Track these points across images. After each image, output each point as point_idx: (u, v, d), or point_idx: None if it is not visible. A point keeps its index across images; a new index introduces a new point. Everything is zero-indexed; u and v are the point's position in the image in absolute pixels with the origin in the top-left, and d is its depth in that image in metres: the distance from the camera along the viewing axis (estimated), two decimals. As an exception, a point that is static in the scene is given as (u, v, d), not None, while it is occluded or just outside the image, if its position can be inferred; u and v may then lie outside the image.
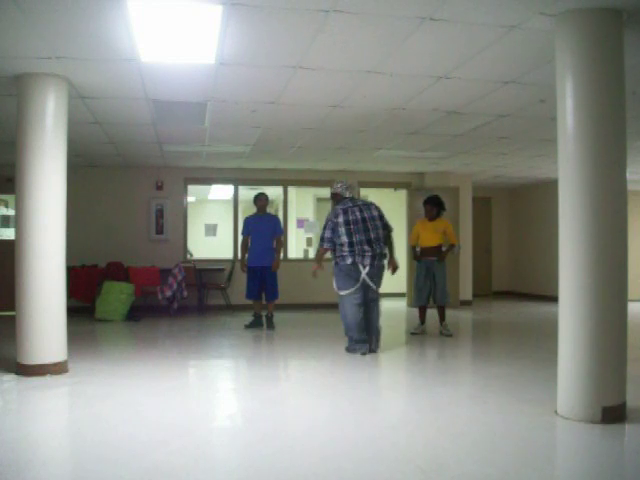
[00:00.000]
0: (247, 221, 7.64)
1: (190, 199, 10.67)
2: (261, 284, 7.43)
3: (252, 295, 7.51)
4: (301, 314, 8.96)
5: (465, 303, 10.37)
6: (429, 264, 6.94)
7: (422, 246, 7.03)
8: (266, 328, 7.51)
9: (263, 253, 7.36)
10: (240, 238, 7.94)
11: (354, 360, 5.64)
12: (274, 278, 7.43)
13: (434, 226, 6.98)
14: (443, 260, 6.95)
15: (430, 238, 6.96)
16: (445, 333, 6.83)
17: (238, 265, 9.49)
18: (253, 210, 7.77)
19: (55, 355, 4.71)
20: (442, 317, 6.94)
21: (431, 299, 7.01)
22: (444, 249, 6.98)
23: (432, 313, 7.15)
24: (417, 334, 6.99)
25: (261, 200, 7.57)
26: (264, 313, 7.61)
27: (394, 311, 9.59)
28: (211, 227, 14.91)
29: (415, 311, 7.43)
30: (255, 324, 7.56)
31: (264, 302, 7.55)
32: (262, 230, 7.38)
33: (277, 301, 7.63)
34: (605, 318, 3.41)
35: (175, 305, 8.62)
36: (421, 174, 10.38)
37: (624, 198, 3.50)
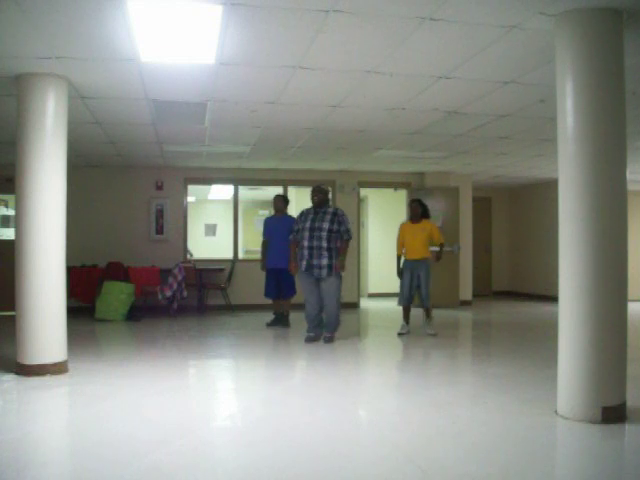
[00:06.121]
0: (265, 223, 7.81)
1: (190, 199, 10.67)
2: (277, 284, 7.56)
3: (269, 294, 7.70)
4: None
5: (465, 303, 10.37)
6: (413, 265, 6.90)
7: (407, 248, 6.96)
8: (281, 326, 7.59)
9: (279, 254, 7.37)
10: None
11: (355, 360, 5.65)
12: (290, 278, 7.41)
13: (419, 227, 6.95)
14: (438, 260, 6.99)
15: (415, 238, 6.89)
16: (428, 332, 6.86)
17: (238, 265, 9.55)
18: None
19: (55, 355, 4.71)
20: (427, 315, 6.95)
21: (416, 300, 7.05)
22: (434, 249, 6.96)
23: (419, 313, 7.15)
24: (403, 334, 6.95)
25: (276, 202, 7.68)
26: (282, 311, 7.75)
27: (391, 312, 9.58)
28: (211, 227, 14.91)
29: (416, 311, 7.43)
30: (276, 322, 7.70)
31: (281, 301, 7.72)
32: (279, 231, 7.42)
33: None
34: (605, 318, 3.41)
35: (175, 305, 8.63)
36: (421, 174, 10.38)
37: (624, 198, 3.50)
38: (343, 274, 6.47)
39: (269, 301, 8.05)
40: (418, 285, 6.90)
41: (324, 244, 6.25)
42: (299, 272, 6.47)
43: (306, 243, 6.32)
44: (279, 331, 7.36)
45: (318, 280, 6.37)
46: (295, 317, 7.80)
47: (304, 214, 6.53)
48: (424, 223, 6.99)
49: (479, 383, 4.72)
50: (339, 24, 3.65)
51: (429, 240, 6.94)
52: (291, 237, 6.60)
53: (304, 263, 6.33)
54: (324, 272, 6.26)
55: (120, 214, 9.38)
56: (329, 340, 6.39)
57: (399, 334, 6.98)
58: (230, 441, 3.33)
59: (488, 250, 12.51)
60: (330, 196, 10.04)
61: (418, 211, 7.00)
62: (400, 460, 2.92)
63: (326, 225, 6.28)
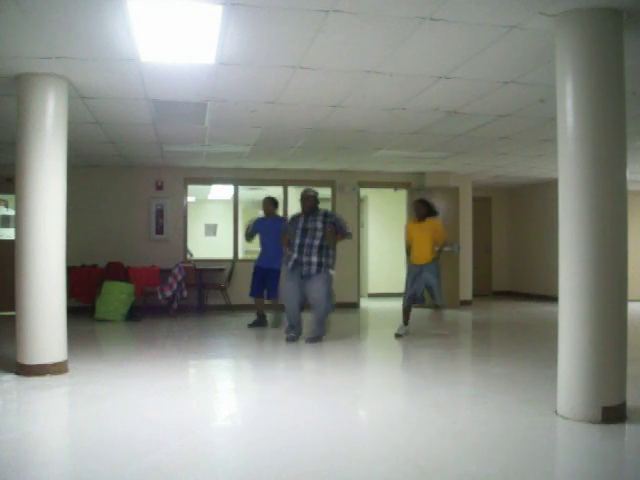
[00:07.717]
0: (256, 223, 7.82)
1: (190, 199, 10.67)
2: (264, 282, 7.62)
3: (255, 292, 7.70)
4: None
5: (465, 303, 10.37)
6: (420, 268, 6.79)
7: (414, 249, 6.87)
8: (261, 326, 7.65)
9: (271, 255, 7.46)
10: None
11: (354, 360, 5.64)
12: (276, 280, 7.55)
13: (424, 226, 6.85)
14: (437, 259, 6.79)
15: (420, 238, 6.81)
16: (439, 332, 6.83)
17: (238, 265, 9.55)
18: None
19: (55, 355, 4.71)
20: (439, 317, 6.92)
21: (428, 300, 6.99)
22: (436, 248, 6.84)
23: (420, 313, 7.14)
24: (401, 336, 6.76)
25: (266, 204, 7.73)
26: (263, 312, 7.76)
27: (391, 312, 9.58)
28: (211, 227, 14.90)
29: (414, 311, 7.40)
30: (259, 323, 7.70)
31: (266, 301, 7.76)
32: (271, 233, 7.43)
33: (280, 301, 7.70)
34: (605, 318, 3.41)
35: (175, 305, 8.63)
36: (421, 174, 10.38)
37: (624, 198, 3.50)
38: (333, 273, 6.37)
39: (270, 301, 8.03)
40: (429, 286, 6.75)
41: (316, 242, 6.23)
42: (285, 271, 6.45)
43: (297, 240, 6.30)
44: (281, 331, 7.35)
45: (304, 278, 6.30)
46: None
47: (295, 219, 6.53)
48: (428, 222, 6.86)
49: (479, 383, 4.72)
50: (339, 24, 3.65)
51: (434, 239, 6.81)
52: (282, 232, 6.64)
53: (291, 262, 6.31)
54: (313, 269, 6.22)
55: (120, 214, 9.38)
56: (311, 340, 6.30)
57: (396, 335, 6.80)
58: (230, 441, 3.33)
59: (488, 250, 12.51)
60: (331, 194, 10.16)
61: (422, 211, 6.88)
62: (400, 460, 2.92)
63: (320, 225, 6.27)
